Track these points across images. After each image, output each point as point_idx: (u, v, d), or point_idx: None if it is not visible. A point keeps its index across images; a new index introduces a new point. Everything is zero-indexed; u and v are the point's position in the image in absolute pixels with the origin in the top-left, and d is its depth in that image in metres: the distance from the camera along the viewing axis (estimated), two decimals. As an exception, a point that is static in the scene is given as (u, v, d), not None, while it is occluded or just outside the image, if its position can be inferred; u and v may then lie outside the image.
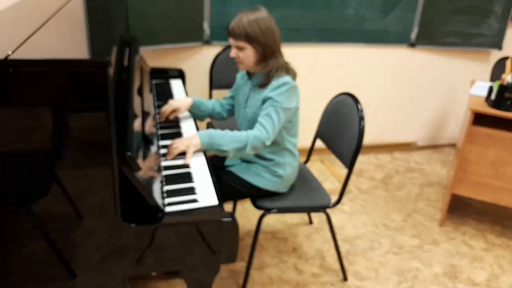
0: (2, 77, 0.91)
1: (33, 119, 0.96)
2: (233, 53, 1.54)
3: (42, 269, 1.12)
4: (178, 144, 1.44)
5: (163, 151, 1.48)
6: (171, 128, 1.68)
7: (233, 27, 1.48)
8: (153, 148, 1.42)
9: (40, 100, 0.95)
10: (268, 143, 1.50)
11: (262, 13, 1.51)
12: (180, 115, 1.76)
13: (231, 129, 1.54)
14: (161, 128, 1.68)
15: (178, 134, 1.63)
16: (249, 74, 1.65)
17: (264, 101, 1.52)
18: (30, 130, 0.97)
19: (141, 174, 1.11)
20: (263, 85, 1.54)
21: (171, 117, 1.68)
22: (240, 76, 1.75)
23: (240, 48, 1.50)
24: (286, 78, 1.51)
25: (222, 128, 1.55)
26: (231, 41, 1.52)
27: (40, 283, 1.14)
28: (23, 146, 0.98)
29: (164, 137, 1.60)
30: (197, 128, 1.72)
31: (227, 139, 1.46)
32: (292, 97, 1.53)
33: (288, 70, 1.55)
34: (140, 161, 1.12)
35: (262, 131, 1.48)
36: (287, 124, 1.58)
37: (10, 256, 1.09)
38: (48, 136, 0.98)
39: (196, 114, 1.79)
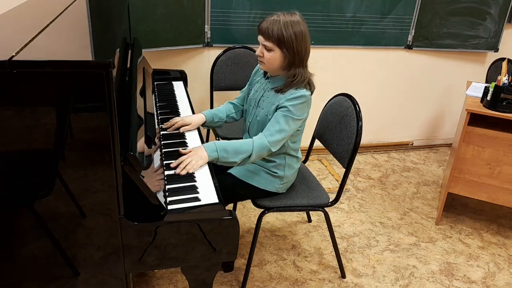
0: (6, 77, 0.93)
1: (37, 120, 0.96)
2: (259, 51, 1.51)
3: (44, 267, 1.13)
4: (188, 161, 1.40)
5: (165, 150, 1.51)
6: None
7: (266, 27, 1.44)
8: (156, 148, 1.44)
9: (44, 101, 0.95)
10: (273, 150, 1.50)
11: (298, 17, 1.46)
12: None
13: (235, 131, 1.54)
14: (163, 128, 1.70)
15: (181, 134, 1.66)
16: (266, 74, 1.63)
17: (277, 107, 1.51)
18: (34, 130, 0.97)
19: (143, 173, 1.13)
20: (280, 90, 1.51)
21: (181, 130, 1.66)
22: (255, 73, 1.73)
23: (268, 49, 1.47)
24: (304, 91, 1.48)
25: (226, 133, 1.54)
26: (260, 38, 1.48)
27: (42, 282, 1.14)
28: (26, 146, 0.99)
29: (166, 137, 1.62)
30: (199, 129, 1.74)
31: (233, 152, 1.45)
32: (305, 109, 1.52)
33: (309, 84, 1.52)
34: (142, 160, 1.14)
35: (269, 138, 1.48)
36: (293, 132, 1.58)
37: (11, 255, 1.09)
38: (52, 136, 0.98)
39: (211, 126, 1.80)
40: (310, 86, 1.52)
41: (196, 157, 1.42)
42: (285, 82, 1.52)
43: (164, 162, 1.43)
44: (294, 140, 1.63)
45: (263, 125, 1.56)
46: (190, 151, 1.44)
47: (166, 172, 1.38)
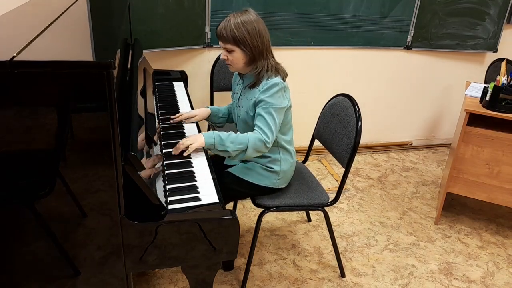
0: (8, 78, 0.93)
1: (38, 120, 0.97)
2: (223, 55, 1.57)
3: (45, 267, 1.13)
4: (184, 140, 1.49)
5: (166, 150, 1.51)
6: (174, 128, 1.71)
7: (220, 30, 1.50)
8: (156, 148, 1.45)
9: (45, 101, 0.95)
10: (269, 144, 1.52)
11: (250, 15, 1.51)
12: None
13: (235, 131, 1.57)
14: (164, 128, 1.70)
15: (181, 134, 1.66)
16: (241, 75, 1.67)
17: (256, 103, 1.54)
18: (35, 130, 0.98)
19: (144, 173, 1.14)
20: (253, 85, 1.57)
21: (187, 122, 1.74)
22: (235, 78, 1.77)
23: (229, 51, 1.53)
24: (276, 79, 1.53)
25: (227, 131, 1.57)
26: (220, 43, 1.54)
27: (42, 281, 1.15)
28: (27, 146, 0.99)
29: (166, 137, 1.63)
30: (199, 128, 1.75)
31: (229, 141, 1.49)
32: (283, 97, 1.55)
33: (278, 70, 1.57)
34: (143, 160, 1.15)
35: (262, 134, 1.51)
36: None
37: (12, 254, 1.09)
38: (52, 136, 0.99)
39: (215, 122, 1.84)
40: (279, 73, 1.57)
41: (193, 139, 1.49)
42: (254, 76, 1.57)
43: (165, 162, 1.44)
44: (284, 132, 1.65)
45: (246, 122, 1.60)
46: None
47: (167, 171, 1.38)
